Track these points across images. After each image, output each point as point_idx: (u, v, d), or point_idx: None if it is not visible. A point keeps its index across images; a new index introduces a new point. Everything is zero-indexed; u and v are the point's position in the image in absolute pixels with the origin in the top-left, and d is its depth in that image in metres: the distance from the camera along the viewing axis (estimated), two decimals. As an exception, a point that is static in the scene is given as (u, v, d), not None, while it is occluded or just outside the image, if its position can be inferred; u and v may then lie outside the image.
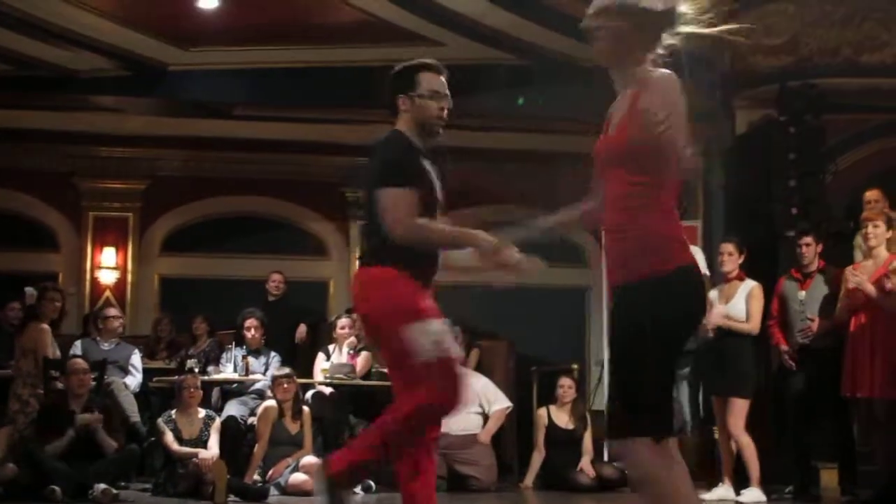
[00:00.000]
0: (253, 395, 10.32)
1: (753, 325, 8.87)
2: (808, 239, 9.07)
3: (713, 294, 9.04)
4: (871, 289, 8.29)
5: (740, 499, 8.62)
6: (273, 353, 10.65)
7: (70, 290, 12.86)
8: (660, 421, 3.66)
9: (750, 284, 8.95)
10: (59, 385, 9.50)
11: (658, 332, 3.59)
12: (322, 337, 11.91)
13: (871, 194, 9.36)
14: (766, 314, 9.14)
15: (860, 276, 8.38)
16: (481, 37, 11.68)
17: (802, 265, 9.07)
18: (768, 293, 9.15)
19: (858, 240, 9.05)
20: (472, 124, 13.48)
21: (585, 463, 10.13)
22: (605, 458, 10.92)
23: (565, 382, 10.44)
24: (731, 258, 9.01)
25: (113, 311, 11.38)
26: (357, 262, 4.22)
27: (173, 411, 9.39)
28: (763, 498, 8.63)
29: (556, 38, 11.65)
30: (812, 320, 8.85)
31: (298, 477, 9.02)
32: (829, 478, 9.28)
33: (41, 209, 14.79)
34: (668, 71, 3.76)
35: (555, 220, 4.17)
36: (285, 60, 12.35)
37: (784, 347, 8.97)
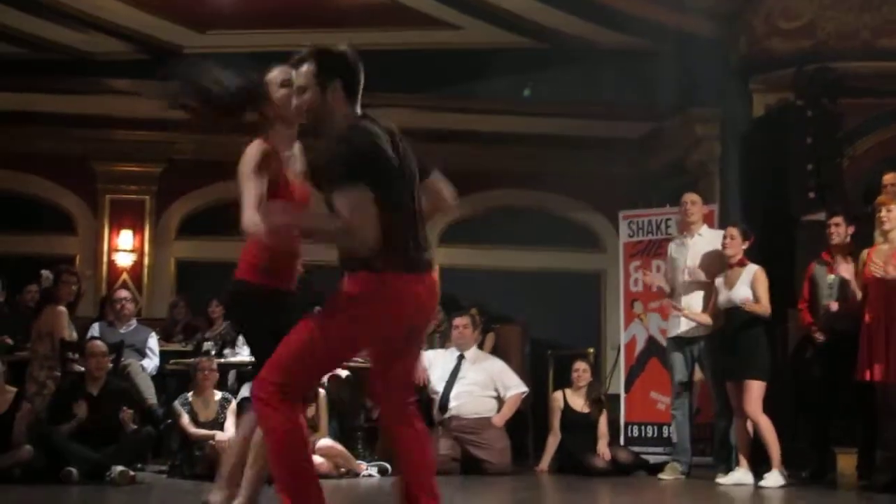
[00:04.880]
0: (269, 378, 10.32)
1: (765, 308, 8.85)
2: (838, 219, 9.01)
3: (718, 281, 9.06)
4: (893, 273, 8.25)
5: (762, 483, 8.60)
6: (289, 336, 10.65)
7: (87, 272, 12.90)
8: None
9: (753, 268, 8.95)
10: (77, 367, 9.54)
11: None
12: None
13: (890, 177, 9.29)
14: (797, 298, 9.13)
15: (879, 264, 8.32)
16: (499, 20, 11.66)
17: (832, 245, 9.03)
18: (786, 277, 9.14)
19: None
20: (488, 108, 13.47)
21: (601, 446, 10.11)
22: (621, 441, 10.93)
23: (580, 366, 10.42)
24: (734, 242, 8.99)
25: (123, 294, 11.31)
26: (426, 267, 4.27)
27: (189, 394, 9.42)
28: (783, 481, 8.62)
29: (573, 21, 11.63)
30: (830, 303, 8.85)
31: (314, 459, 8.99)
32: (845, 463, 9.25)
33: (58, 192, 14.84)
34: None
35: None
36: (302, 44, 12.33)
37: (814, 327, 8.97)
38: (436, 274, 4.30)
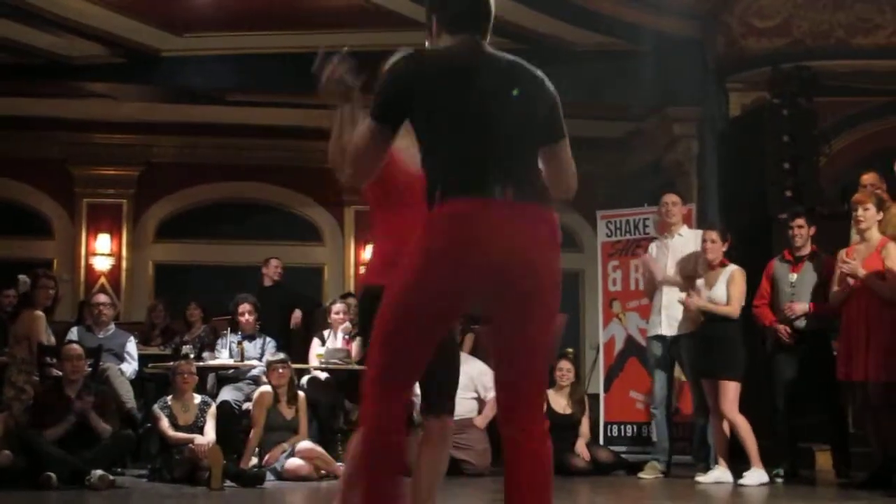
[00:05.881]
0: (248, 381, 10.32)
1: (733, 309, 8.90)
2: (801, 221, 9.08)
3: (699, 282, 9.10)
4: (862, 273, 8.29)
5: (742, 481, 8.64)
6: (268, 339, 10.66)
7: (64, 276, 12.85)
8: None
9: (731, 269, 9.00)
10: (55, 371, 9.51)
11: None
12: (317, 322, 11.92)
13: (868, 177, 9.31)
14: (755, 295, 9.17)
15: (853, 261, 8.36)
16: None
17: (795, 247, 9.09)
18: (760, 275, 9.19)
19: (856, 222, 9.05)
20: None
21: (580, 446, 10.12)
22: (601, 441, 10.95)
23: (564, 365, 10.40)
24: (714, 246, 9.05)
25: (101, 299, 11.27)
26: (511, 194, 3.48)
27: (169, 397, 9.40)
28: (765, 478, 8.66)
29: (551, 22, 11.64)
30: (793, 304, 8.90)
31: (294, 462, 9.06)
32: (824, 460, 9.30)
33: (35, 196, 14.80)
34: None
35: None
36: (279, 46, 12.32)
37: (778, 326, 9.00)
38: (540, 212, 3.59)
